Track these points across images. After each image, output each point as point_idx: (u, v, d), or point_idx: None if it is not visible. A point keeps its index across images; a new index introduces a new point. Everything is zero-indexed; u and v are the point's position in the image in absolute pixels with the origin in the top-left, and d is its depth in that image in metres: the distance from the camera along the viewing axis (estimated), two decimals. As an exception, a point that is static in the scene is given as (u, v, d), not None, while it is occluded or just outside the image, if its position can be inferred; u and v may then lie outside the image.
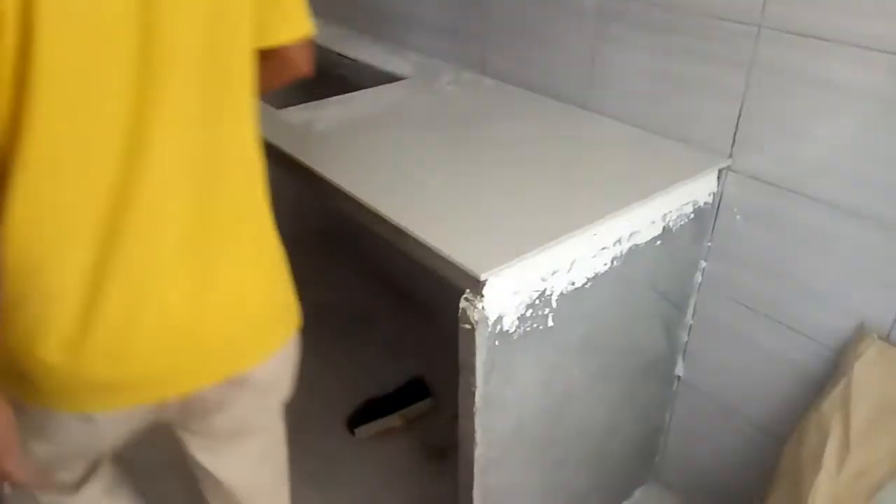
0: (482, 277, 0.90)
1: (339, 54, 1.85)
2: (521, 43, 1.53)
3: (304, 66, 1.00)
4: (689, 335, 1.41)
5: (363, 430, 1.76)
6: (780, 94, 1.12)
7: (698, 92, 1.23)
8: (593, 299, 1.11)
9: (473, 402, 1.01)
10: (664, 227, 1.17)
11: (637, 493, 1.60)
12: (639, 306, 1.24)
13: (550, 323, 1.05)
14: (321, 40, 1.92)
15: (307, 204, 2.49)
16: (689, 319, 1.39)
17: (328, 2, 2.10)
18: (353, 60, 1.79)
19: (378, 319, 2.21)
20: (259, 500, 1.05)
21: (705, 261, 1.32)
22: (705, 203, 1.24)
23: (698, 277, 1.34)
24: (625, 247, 1.11)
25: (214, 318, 0.79)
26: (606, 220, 1.03)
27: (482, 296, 0.92)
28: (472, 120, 1.40)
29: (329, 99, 1.49)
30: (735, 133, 1.20)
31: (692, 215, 1.22)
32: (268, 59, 0.86)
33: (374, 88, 1.57)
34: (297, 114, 1.41)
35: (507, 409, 1.07)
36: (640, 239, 1.13)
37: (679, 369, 1.45)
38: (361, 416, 1.79)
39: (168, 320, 0.75)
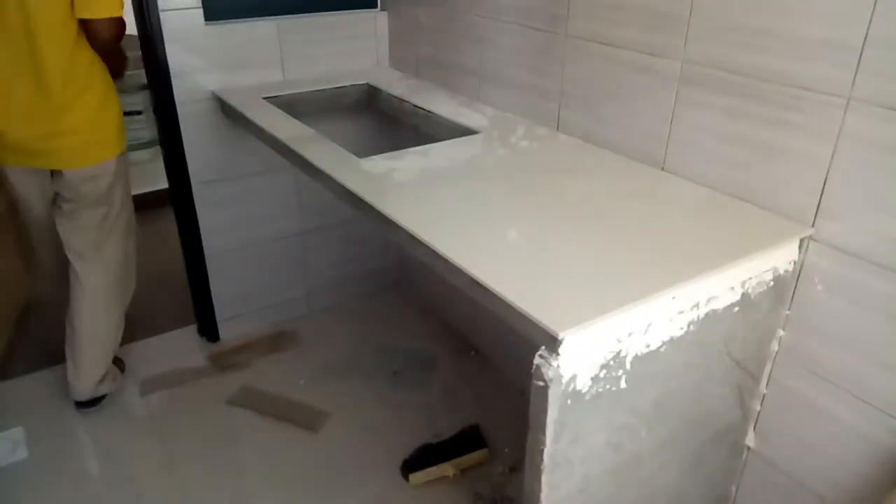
0: (560, 336, 0.90)
1: (414, 105, 1.91)
2: (598, 101, 1.55)
3: (104, 35, 1.69)
4: (761, 405, 1.37)
5: (418, 476, 1.75)
6: (868, 165, 1.10)
7: (781, 159, 1.22)
8: (667, 363, 1.09)
9: (542, 460, 1.00)
10: (743, 294, 1.15)
11: (698, 567, 1.53)
12: (712, 372, 1.21)
13: (623, 385, 1.04)
14: (398, 92, 2.00)
15: (371, 246, 2.55)
16: (762, 389, 1.35)
17: (407, 56, 2.19)
18: (428, 112, 1.85)
19: (438, 365, 2.22)
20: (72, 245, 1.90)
21: (783, 330, 1.29)
22: (785, 271, 1.21)
23: (775, 346, 1.31)
24: (702, 311, 1.10)
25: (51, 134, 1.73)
26: (686, 284, 1.03)
27: (558, 354, 0.93)
28: (548, 175, 1.42)
29: (407, 150, 1.54)
30: (819, 202, 1.18)
31: (772, 283, 1.20)
32: (84, 26, 1.67)
33: (451, 141, 1.61)
34: (378, 163, 1.47)
35: (573, 469, 1.06)
36: (718, 304, 1.12)
37: (750, 439, 1.41)
38: (417, 461, 1.79)
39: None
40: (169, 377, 2.15)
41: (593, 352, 0.97)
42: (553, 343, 0.92)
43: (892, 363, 1.14)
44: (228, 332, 2.34)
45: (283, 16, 2.06)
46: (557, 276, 1.04)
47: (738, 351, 1.24)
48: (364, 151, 1.52)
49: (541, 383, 0.95)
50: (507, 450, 1.87)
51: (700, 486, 1.38)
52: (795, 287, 1.25)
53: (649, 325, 1.02)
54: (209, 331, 2.33)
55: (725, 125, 1.30)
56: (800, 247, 1.21)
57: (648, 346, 1.04)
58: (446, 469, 1.76)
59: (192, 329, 2.38)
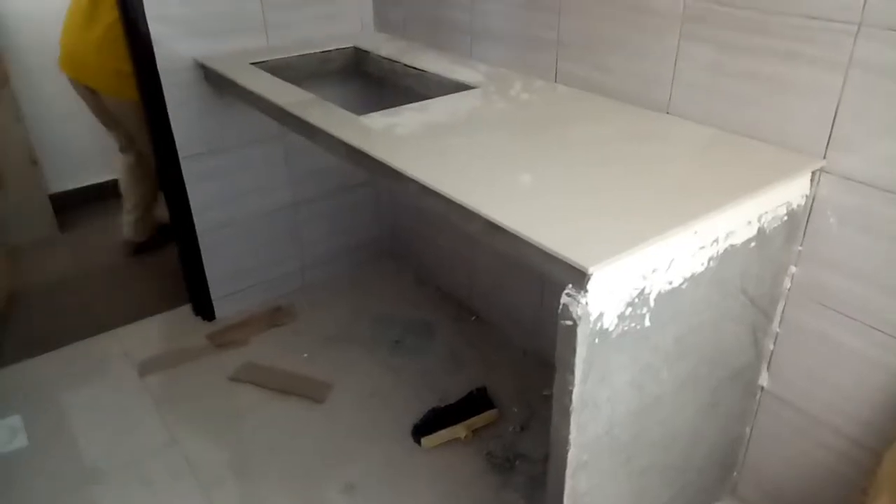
0: (589, 271, 0.89)
1: (405, 65, 1.87)
2: (597, 49, 1.53)
3: None
4: (774, 344, 1.37)
5: (430, 440, 1.74)
6: (880, 93, 1.09)
7: (789, 93, 1.21)
8: (688, 300, 1.09)
9: (570, 400, 0.99)
10: (759, 229, 1.15)
11: (714, 509, 1.55)
12: (729, 311, 1.21)
13: (647, 323, 1.03)
14: (386, 53, 1.95)
15: (364, 215, 2.52)
16: (775, 327, 1.36)
17: (394, 16, 2.14)
18: (421, 71, 1.81)
19: (438, 330, 2.20)
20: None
21: (795, 266, 1.29)
22: (798, 206, 1.21)
23: (787, 283, 1.31)
24: (721, 247, 1.09)
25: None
26: (707, 217, 1.02)
27: (586, 291, 0.91)
28: (552, 124, 1.39)
29: (405, 106, 1.51)
30: (830, 134, 1.17)
31: (785, 217, 1.19)
32: None
33: (449, 96, 1.58)
34: (378, 119, 1.43)
35: (600, 410, 1.05)
36: (737, 239, 1.11)
37: (763, 379, 1.41)
38: (427, 425, 1.77)
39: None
40: (167, 358, 2.11)
41: (619, 289, 0.96)
42: (581, 279, 0.91)
43: (908, 290, 1.14)
44: (224, 309, 2.30)
45: (264, -21, 2.00)
46: (578, 216, 1.02)
47: (753, 288, 1.24)
48: (359, 112, 1.48)
49: (569, 322, 0.93)
50: (515, 409, 1.87)
51: (716, 427, 1.38)
52: (808, 221, 1.25)
53: (672, 261, 1.01)
54: (205, 310, 2.29)
55: (731, 62, 1.28)
56: (811, 180, 1.21)
57: (671, 282, 1.03)
58: (458, 431, 1.75)
59: (186, 309, 2.33)
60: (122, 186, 2.73)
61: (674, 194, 1.08)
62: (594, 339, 0.96)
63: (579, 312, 0.92)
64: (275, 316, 2.30)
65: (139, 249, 2.74)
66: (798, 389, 1.37)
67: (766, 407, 1.43)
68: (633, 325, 1.01)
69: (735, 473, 1.54)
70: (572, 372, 0.97)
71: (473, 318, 2.26)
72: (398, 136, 1.34)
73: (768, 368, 1.40)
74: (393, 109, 1.49)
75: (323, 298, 2.39)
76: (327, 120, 1.43)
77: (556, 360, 0.99)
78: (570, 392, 0.98)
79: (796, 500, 1.44)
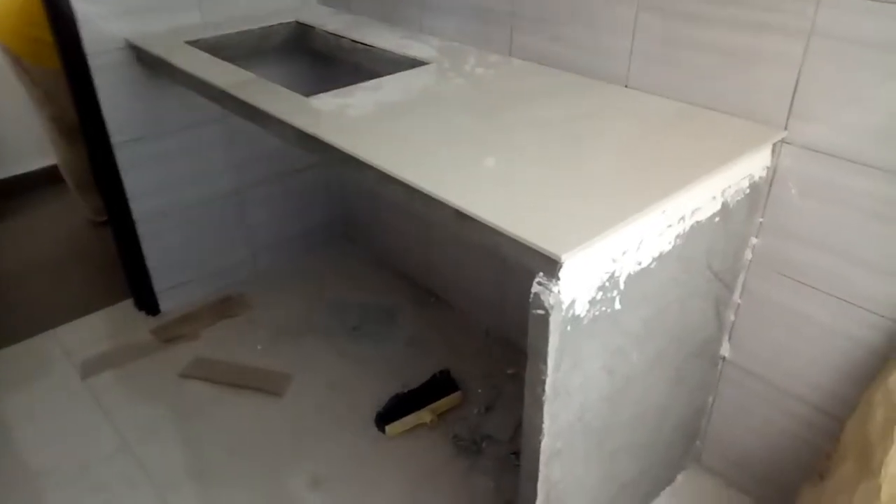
0: (561, 259, 0.85)
1: (352, 41, 1.78)
2: (553, 20, 1.48)
3: None
4: (735, 315, 1.38)
5: (395, 427, 1.71)
6: (839, 60, 1.08)
7: (751, 63, 1.19)
8: (657, 280, 1.07)
9: (543, 390, 0.96)
10: (723, 203, 1.13)
11: (679, 478, 1.57)
12: (695, 287, 1.20)
13: (617, 306, 1.01)
14: (332, 28, 1.86)
15: (315, 198, 2.43)
16: (736, 298, 1.36)
17: (336, -12, 2.04)
18: (369, 47, 1.73)
19: (398, 315, 2.15)
20: None
21: (756, 237, 1.29)
22: (760, 177, 1.20)
23: (748, 254, 1.31)
24: (688, 224, 1.07)
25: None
26: (674, 195, 0.99)
27: (558, 279, 0.88)
28: (511, 101, 1.35)
29: (357, 85, 1.43)
30: (791, 104, 1.16)
31: (748, 190, 1.19)
32: None
33: (401, 73, 1.51)
34: (328, 100, 1.35)
35: (572, 397, 1.03)
36: (702, 215, 1.09)
37: (724, 350, 1.42)
38: (390, 412, 1.73)
39: None
40: (110, 356, 2.00)
41: (590, 274, 0.93)
42: (553, 267, 0.87)
43: (870, 260, 1.15)
44: (169, 302, 2.19)
45: (195, -50, 1.87)
46: (546, 200, 0.98)
47: (718, 263, 1.23)
48: (306, 92, 1.40)
49: (540, 311, 0.90)
50: (480, 390, 1.85)
51: (682, 400, 1.39)
52: (769, 192, 1.24)
53: (641, 242, 0.99)
54: (148, 304, 2.17)
55: (689, 32, 1.26)
56: (773, 151, 1.20)
57: (640, 263, 1.01)
58: (423, 416, 1.72)
59: (128, 304, 2.22)
60: (62, 167, 2.58)
61: (640, 173, 1.06)
62: (566, 327, 0.93)
63: (551, 301, 0.89)
64: (225, 307, 2.20)
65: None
66: (760, 359, 1.38)
67: (728, 377, 1.45)
68: (604, 309, 0.98)
69: (698, 442, 1.56)
70: (545, 361, 0.94)
71: (433, 299, 2.22)
72: (351, 119, 1.27)
73: (730, 339, 1.41)
74: (344, 89, 1.41)
75: (275, 286, 2.30)
76: (274, 103, 1.35)
77: (527, 348, 0.96)
78: (543, 381, 0.96)
79: (761, 468, 1.47)
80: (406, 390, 1.81)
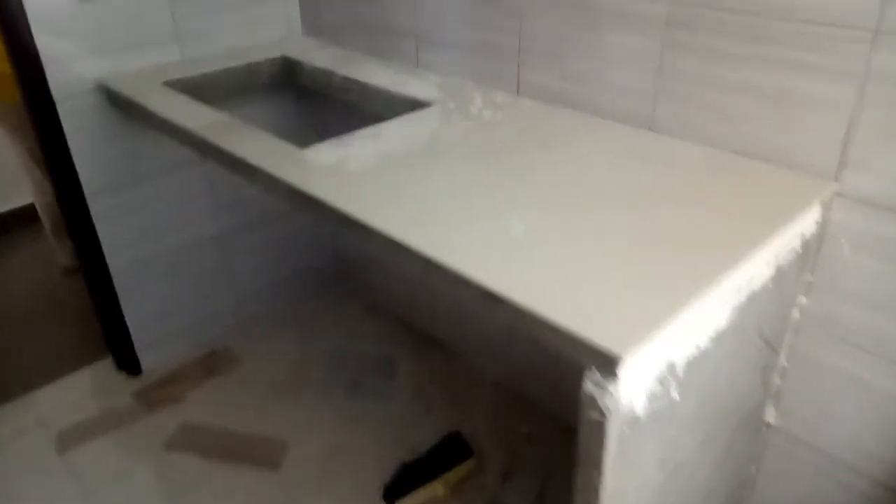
0: (622, 357, 0.72)
1: (345, 77, 1.65)
2: (567, 57, 1.36)
3: None
4: (781, 378, 1.26)
5: (403, 503, 1.56)
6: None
7: (794, 108, 1.08)
8: (713, 360, 0.94)
9: (597, 498, 0.82)
10: (777, 267, 1.01)
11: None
12: (746, 357, 1.08)
13: (675, 396, 0.88)
14: (322, 63, 1.73)
15: (303, 240, 2.28)
16: (782, 361, 1.24)
17: (325, 20, 1.91)
18: (364, 84, 1.60)
19: (399, 366, 2.01)
20: None
21: (805, 297, 1.17)
22: (811, 234, 1.08)
23: (796, 315, 1.19)
24: (743, 295, 0.94)
25: None
26: (735, 269, 0.87)
27: (615, 377, 0.74)
28: (528, 149, 1.22)
29: (354, 133, 1.30)
30: (842, 153, 1.05)
31: (799, 249, 1.06)
32: None
33: (403, 118, 1.38)
34: (324, 152, 1.22)
35: (626, 499, 0.89)
36: (757, 284, 0.97)
37: (769, 415, 1.30)
38: (399, 485, 1.59)
39: None
40: (89, 426, 1.83)
41: (649, 366, 0.80)
42: (611, 365, 0.74)
43: (939, 324, 1.04)
44: (151, 360, 2.02)
45: (171, -16, 1.73)
46: (588, 276, 0.85)
47: (767, 328, 1.11)
48: (297, 137, 1.27)
49: (596, 416, 0.76)
50: (495, 453, 1.70)
51: (726, 475, 1.26)
52: (819, 249, 1.13)
53: (699, 324, 0.86)
54: (128, 363, 2.01)
55: (724, 73, 1.14)
56: (823, 204, 1.08)
57: (699, 346, 0.88)
58: (435, 488, 1.57)
59: (107, 363, 2.05)
60: (39, 203, 2.42)
61: (690, 240, 0.93)
62: (624, 430, 0.80)
63: (608, 404, 0.75)
64: (211, 364, 2.04)
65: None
66: (808, 425, 1.26)
67: (772, 444, 1.32)
68: (663, 402, 0.85)
69: (738, 511, 1.43)
70: (599, 468, 0.80)
71: (435, 347, 2.08)
72: (353, 175, 1.13)
73: (774, 404, 1.29)
74: (341, 138, 1.27)
75: (265, 338, 2.15)
76: (264, 155, 1.21)
77: (578, 452, 0.82)
78: (597, 490, 0.82)
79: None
80: (414, 457, 1.67)
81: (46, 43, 1.56)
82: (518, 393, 1.87)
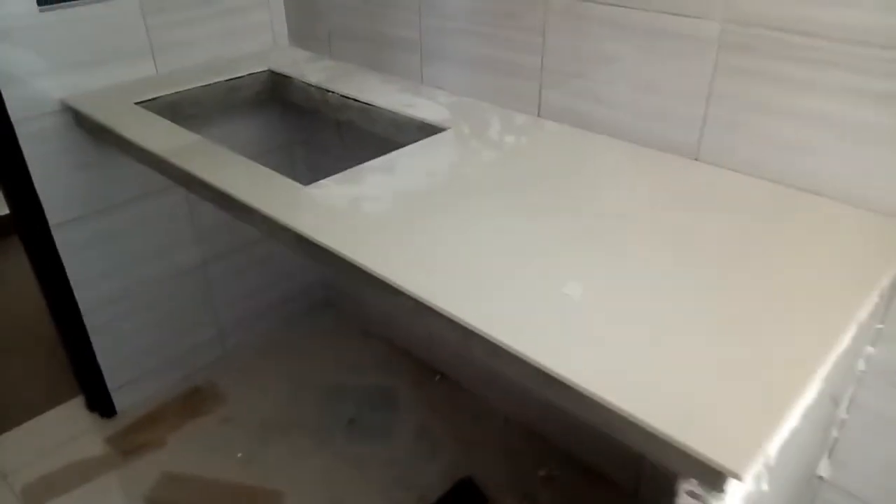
0: (740, 474, 0.59)
1: (342, 96, 1.49)
2: (597, 77, 1.23)
3: None
4: (838, 431, 1.15)
5: (417, 563, 1.42)
6: None
7: (867, 141, 0.96)
8: (799, 438, 0.82)
9: None
10: (858, 322, 0.89)
11: None
12: (818, 421, 0.96)
13: (765, 487, 0.75)
14: (314, 79, 1.57)
15: (289, 261, 2.12)
16: (842, 413, 1.13)
17: (315, 30, 1.75)
18: (365, 105, 1.45)
19: (400, 399, 1.87)
20: None
21: (873, 346, 1.06)
22: (888, 282, 0.97)
23: (861, 365, 1.08)
24: (830, 363, 0.83)
25: None
26: (843, 340, 0.75)
27: (724, 492, 0.62)
28: (565, 182, 1.08)
29: (365, 165, 1.15)
30: (927, 193, 0.94)
31: (876, 299, 0.95)
32: None
33: (416, 145, 1.23)
34: (332, 190, 1.07)
35: None
36: (842, 346, 0.85)
37: (822, 469, 1.19)
38: (411, 542, 1.45)
39: None
40: (58, 478, 1.65)
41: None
42: (719, 480, 0.61)
43: None
44: (127, 400, 1.85)
45: (144, -11, 1.55)
46: (677, 359, 0.72)
47: (837, 385, 1.00)
48: (288, 164, 1.12)
49: (695, 534, 0.64)
50: (511, 500, 1.58)
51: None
52: (892, 296, 1.02)
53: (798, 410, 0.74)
54: (101, 403, 1.83)
55: (785, 99, 1.02)
56: (902, 249, 0.97)
57: (790, 428, 0.76)
58: (451, 547, 1.44)
59: (77, 402, 1.87)
60: None
61: (787, 305, 0.81)
62: (721, 542, 0.67)
63: (711, 521, 0.63)
64: (194, 402, 1.88)
65: None
66: (863, 479, 1.16)
67: (824, 499, 1.22)
68: (753, 499, 0.73)
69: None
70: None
71: (438, 377, 1.94)
72: (370, 220, 0.99)
73: (829, 456, 1.18)
74: (348, 173, 1.12)
75: (252, 370, 1.98)
76: (261, 192, 1.05)
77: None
78: None
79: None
80: (423, 507, 1.53)
81: (2, 56, 1.37)
82: (532, 429, 1.74)
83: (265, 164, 1.13)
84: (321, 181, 1.09)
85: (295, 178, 1.09)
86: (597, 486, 1.53)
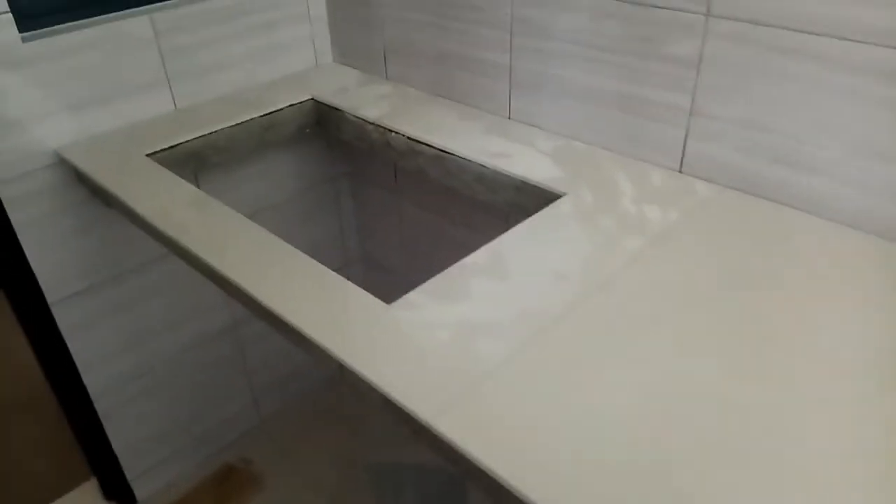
0: None
1: (409, 139, 1.17)
2: (774, 128, 0.89)
3: None
4: None
5: None
6: None
7: None
8: None
9: None
10: None
11: None
12: None
13: None
14: (371, 114, 1.24)
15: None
16: None
17: (366, 45, 1.41)
18: (441, 152, 1.12)
19: (469, 493, 1.56)
20: None
21: None
22: None
23: None
24: None
25: None
26: None
27: None
28: (766, 303, 0.75)
29: (465, 263, 0.82)
30: None
31: None
32: None
33: (526, 226, 0.90)
34: (433, 313, 0.74)
35: None
36: None
37: None
38: None
39: None
40: None
41: None
42: None
43: None
44: (148, 487, 1.57)
45: (156, 5, 1.22)
46: None
47: None
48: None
49: None
50: None
51: None
52: None
53: None
54: (118, 491, 1.55)
55: None
56: None
57: None
58: None
59: (92, 486, 1.59)
60: None
61: None
62: None
63: None
64: (227, 486, 1.59)
65: None
66: None
67: None
68: None
69: None
70: None
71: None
72: (491, 375, 0.66)
73: None
74: (445, 277, 0.80)
75: (290, 443, 1.69)
76: (325, 318, 0.74)
77: None
78: None
79: None
80: None
81: (-16, 99, 1.07)
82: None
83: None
84: (410, 295, 0.77)
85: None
86: None
